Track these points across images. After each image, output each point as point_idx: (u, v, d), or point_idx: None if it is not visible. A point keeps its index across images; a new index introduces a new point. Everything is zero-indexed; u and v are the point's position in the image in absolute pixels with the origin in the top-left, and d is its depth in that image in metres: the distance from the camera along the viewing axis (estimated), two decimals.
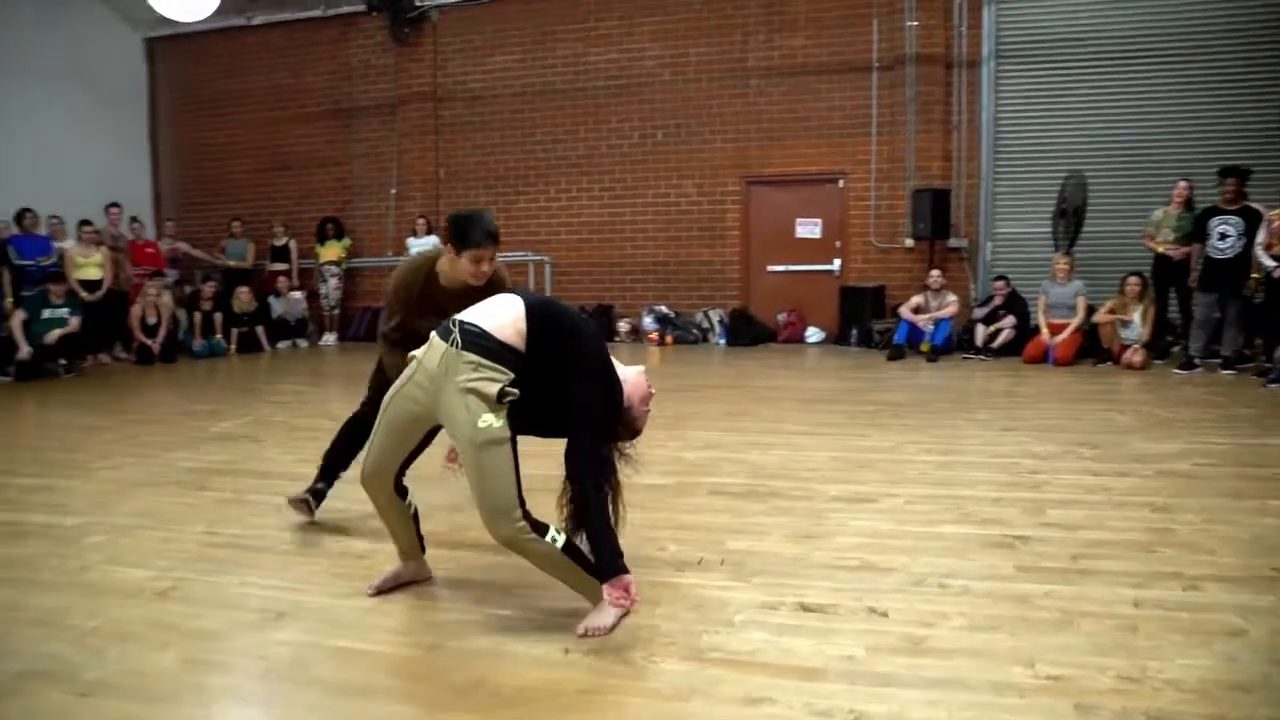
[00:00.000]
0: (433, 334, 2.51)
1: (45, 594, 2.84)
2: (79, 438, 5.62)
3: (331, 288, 11.57)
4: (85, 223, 9.50)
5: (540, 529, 2.39)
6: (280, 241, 11.66)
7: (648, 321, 10.68)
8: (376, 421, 2.62)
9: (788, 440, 4.86)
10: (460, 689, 2.16)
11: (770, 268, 10.58)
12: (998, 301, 8.65)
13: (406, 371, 2.54)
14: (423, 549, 2.82)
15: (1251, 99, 8.73)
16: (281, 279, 11.35)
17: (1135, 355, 7.52)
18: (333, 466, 3.59)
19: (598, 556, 2.38)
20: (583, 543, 2.45)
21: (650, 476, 4.11)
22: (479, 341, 2.39)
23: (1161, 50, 9.00)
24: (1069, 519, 3.31)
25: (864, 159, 9.94)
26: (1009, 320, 8.47)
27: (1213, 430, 4.92)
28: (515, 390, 2.37)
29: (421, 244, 11.22)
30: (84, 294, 9.16)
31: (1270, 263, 6.86)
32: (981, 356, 8.38)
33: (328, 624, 2.54)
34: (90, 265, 9.37)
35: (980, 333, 8.55)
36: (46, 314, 8.44)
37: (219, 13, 11.77)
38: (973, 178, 9.65)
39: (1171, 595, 2.58)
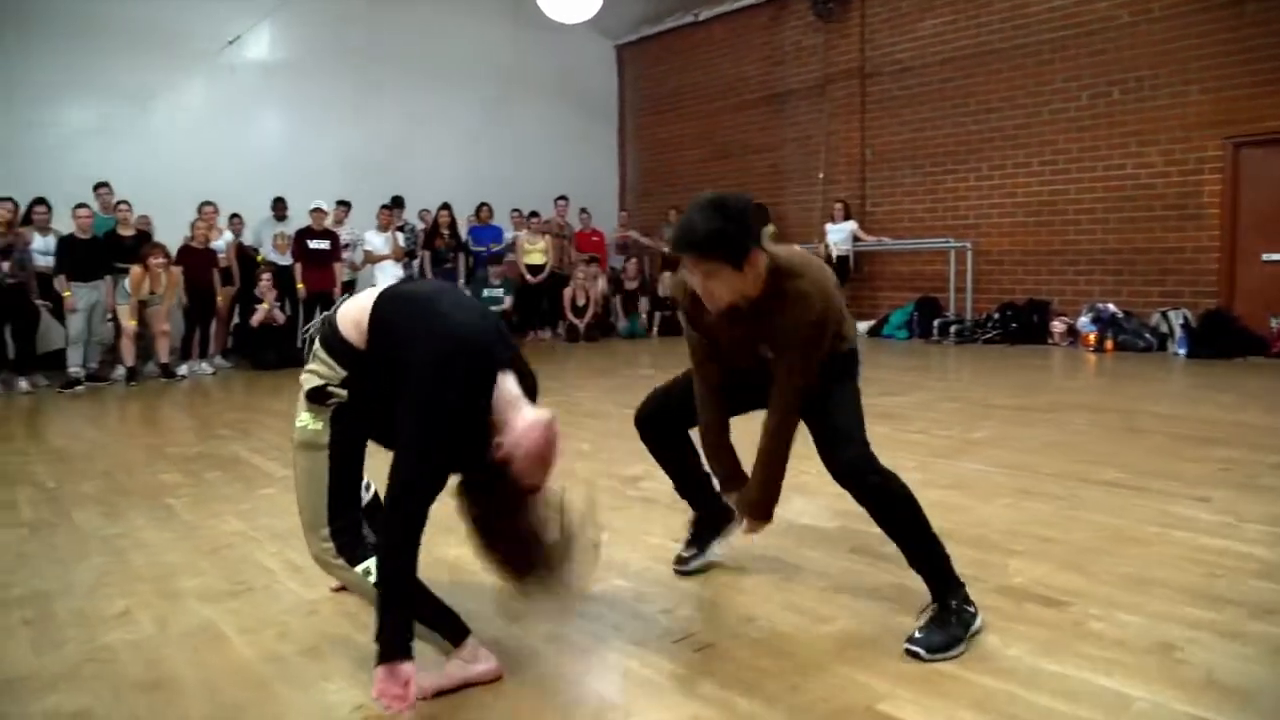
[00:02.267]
0: None
1: (130, 526, 3.26)
2: None
3: None
4: (534, 214, 10.87)
5: (355, 554, 1.99)
6: None
7: (1083, 322, 8.78)
8: None
9: (1071, 491, 3.52)
10: (231, 706, 1.91)
11: (1266, 256, 7.95)
12: None
13: None
14: None
15: None
16: None
17: None
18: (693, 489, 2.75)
19: (379, 621, 1.79)
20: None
21: (819, 517, 3.30)
22: (324, 330, 2.07)
23: None
24: None
25: None
26: None
27: None
28: (340, 391, 1.99)
29: (839, 229, 10.73)
30: (529, 276, 10.51)
31: None
32: None
33: (259, 609, 2.48)
34: (535, 251, 10.72)
35: None
36: (485, 293, 9.89)
37: (672, 13, 12.59)
38: None
39: None
